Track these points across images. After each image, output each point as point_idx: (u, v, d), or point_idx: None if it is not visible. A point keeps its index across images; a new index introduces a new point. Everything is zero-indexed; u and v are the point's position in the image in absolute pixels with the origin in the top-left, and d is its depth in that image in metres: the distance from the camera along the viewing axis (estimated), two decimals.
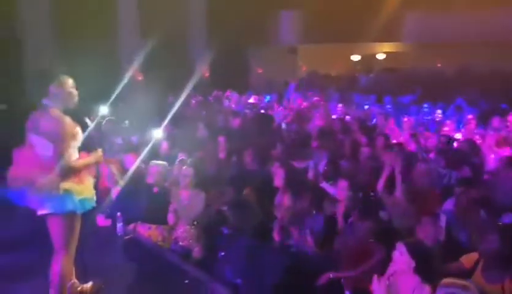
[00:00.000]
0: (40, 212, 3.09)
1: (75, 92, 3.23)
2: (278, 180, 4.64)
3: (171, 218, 4.61)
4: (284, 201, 4.43)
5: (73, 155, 3.14)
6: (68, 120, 3.10)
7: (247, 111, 9.33)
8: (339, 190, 4.39)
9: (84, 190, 3.16)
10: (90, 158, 3.29)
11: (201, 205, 4.67)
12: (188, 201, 4.73)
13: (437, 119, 8.15)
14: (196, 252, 4.29)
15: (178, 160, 5.41)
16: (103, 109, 7.06)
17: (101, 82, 8.60)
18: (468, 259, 3.33)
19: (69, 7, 10.21)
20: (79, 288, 3.54)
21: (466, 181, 4.51)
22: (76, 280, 3.53)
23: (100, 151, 3.40)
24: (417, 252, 2.91)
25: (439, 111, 8.48)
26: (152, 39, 10.73)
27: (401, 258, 2.92)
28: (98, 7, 10.77)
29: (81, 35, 10.07)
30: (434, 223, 3.63)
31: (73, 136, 3.11)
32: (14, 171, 3.12)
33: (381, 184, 4.42)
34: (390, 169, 4.45)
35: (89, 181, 3.25)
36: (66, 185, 3.04)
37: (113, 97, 7.76)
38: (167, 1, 11.40)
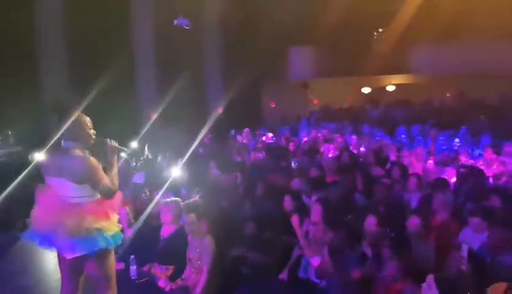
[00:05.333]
0: (71, 256, 3.02)
1: (93, 132, 3.21)
2: (316, 215, 4.56)
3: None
4: (320, 236, 4.37)
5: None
6: (92, 159, 3.09)
7: (259, 145, 9.38)
8: (367, 226, 4.31)
9: (112, 225, 3.15)
10: (114, 165, 3.24)
11: (208, 251, 4.20)
12: (197, 249, 4.29)
13: (455, 148, 8.09)
14: None
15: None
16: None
17: (118, 123, 8.72)
18: (495, 289, 3.23)
19: (84, 51, 10.38)
20: None
21: (490, 212, 4.43)
22: None
23: (108, 142, 3.32)
24: (445, 285, 2.89)
25: (457, 140, 8.43)
26: (168, 77, 10.86)
27: (429, 291, 2.88)
28: (116, 45, 10.94)
29: (97, 74, 10.23)
30: (457, 256, 3.57)
31: (102, 169, 3.12)
32: (39, 214, 3.10)
33: None
34: None
35: (114, 216, 3.23)
36: (96, 224, 3.02)
37: (130, 137, 7.83)
38: (183, 40, 11.65)
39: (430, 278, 2.95)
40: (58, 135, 3.12)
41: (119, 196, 3.30)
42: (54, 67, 10.57)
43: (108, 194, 3.11)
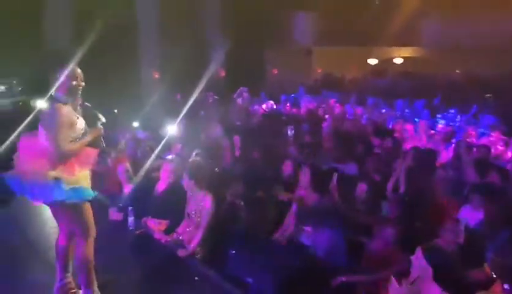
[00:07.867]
0: (35, 203, 3.14)
1: (82, 85, 3.17)
2: (305, 179, 4.54)
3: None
4: (308, 200, 4.41)
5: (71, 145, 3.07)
6: (66, 110, 3.03)
7: (259, 109, 9.30)
8: (358, 192, 4.45)
9: (75, 180, 3.05)
10: (87, 137, 3.17)
11: (208, 208, 4.25)
12: (199, 204, 4.31)
13: (457, 124, 8.05)
14: (200, 252, 4.17)
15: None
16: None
17: (120, 81, 8.60)
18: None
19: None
20: (73, 291, 3.43)
21: (491, 188, 4.41)
22: (72, 282, 3.44)
23: (100, 126, 3.33)
24: (434, 258, 2.77)
25: (458, 117, 8.40)
26: (170, 39, 10.72)
27: (418, 263, 2.81)
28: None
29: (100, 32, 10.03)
30: (454, 229, 3.54)
31: (71, 126, 3.04)
32: (17, 159, 3.13)
33: (390, 185, 4.75)
34: (399, 172, 4.77)
35: (81, 172, 3.11)
36: (54, 173, 2.97)
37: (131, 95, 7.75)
38: (185, 2, 11.42)
39: (418, 250, 2.87)
40: (56, 85, 3.09)
41: (93, 153, 3.23)
42: (58, 18, 10.43)
43: (58, 153, 2.98)
